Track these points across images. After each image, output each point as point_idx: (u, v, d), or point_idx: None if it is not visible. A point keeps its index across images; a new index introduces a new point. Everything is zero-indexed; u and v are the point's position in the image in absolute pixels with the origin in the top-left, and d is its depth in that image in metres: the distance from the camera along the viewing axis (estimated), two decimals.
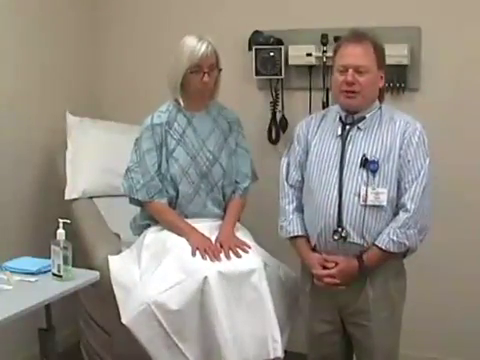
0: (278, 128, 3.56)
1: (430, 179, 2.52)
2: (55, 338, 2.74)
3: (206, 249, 2.71)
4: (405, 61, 3.20)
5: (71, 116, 3.51)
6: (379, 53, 2.53)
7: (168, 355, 2.63)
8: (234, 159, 2.96)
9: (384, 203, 2.47)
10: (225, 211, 2.95)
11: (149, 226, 2.93)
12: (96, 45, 3.86)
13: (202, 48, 2.78)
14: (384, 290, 2.55)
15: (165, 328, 2.59)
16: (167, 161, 2.87)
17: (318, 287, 2.58)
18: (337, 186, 2.51)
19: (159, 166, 2.87)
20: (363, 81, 2.49)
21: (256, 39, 3.46)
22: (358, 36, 2.52)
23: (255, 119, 3.52)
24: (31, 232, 3.45)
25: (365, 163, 2.49)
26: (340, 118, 2.58)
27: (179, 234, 2.80)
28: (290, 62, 3.42)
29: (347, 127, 2.56)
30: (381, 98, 2.62)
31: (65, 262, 2.60)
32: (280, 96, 3.52)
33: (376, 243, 2.49)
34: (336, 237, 2.50)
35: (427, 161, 2.52)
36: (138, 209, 2.98)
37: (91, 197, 3.41)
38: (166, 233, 2.84)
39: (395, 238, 2.47)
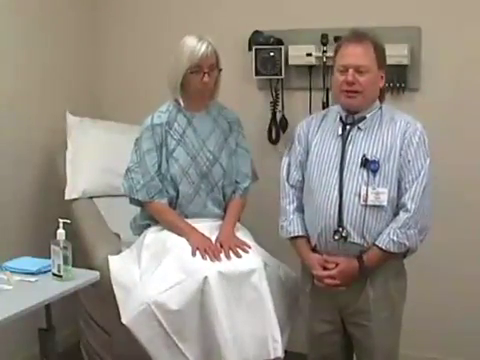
0: (278, 128, 3.56)
1: (430, 179, 2.52)
2: (55, 338, 2.74)
3: (206, 249, 2.71)
4: (405, 61, 3.20)
5: (71, 116, 3.51)
6: (379, 53, 2.53)
7: (168, 355, 2.63)
8: (234, 159, 2.96)
9: (384, 203, 2.47)
10: (225, 211, 2.95)
11: (149, 226, 2.93)
12: (96, 45, 3.86)
13: (202, 48, 2.78)
14: (384, 290, 2.55)
15: (165, 328, 2.59)
16: (167, 161, 2.87)
17: (318, 287, 2.58)
18: (337, 186, 2.51)
19: (159, 166, 2.87)
20: (363, 81, 2.49)
21: (256, 39, 3.46)
22: (358, 36, 2.52)
23: (255, 119, 3.52)
24: (31, 232, 3.45)
25: (365, 163, 2.49)
26: (341, 118, 2.58)
27: (179, 234, 2.80)
28: (290, 62, 3.42)
29: (347, 127, 2.56)
30: (382, 98, 2.62)
31: (65, 262, 2.60)
32: (280, 96, 3.52)
33: (376, 243, 2.49)
34: (336, 237, 2.50)
35: (427, 161, 2.51)
36: (138, 209, 2.98)
37: (91, 197, 3.41)
38: (166, 233, 2.84)
39: (395, 238, 2.47)
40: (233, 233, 2.83)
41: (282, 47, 3.40)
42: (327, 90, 3.37)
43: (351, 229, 2.49)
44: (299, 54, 3.38)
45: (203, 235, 2.79)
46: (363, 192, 2.48)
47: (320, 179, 2.55)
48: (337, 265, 2.52)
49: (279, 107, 3.53)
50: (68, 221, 2.72)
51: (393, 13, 3.23)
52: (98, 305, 3.07)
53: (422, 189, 2.48)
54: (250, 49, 3.48)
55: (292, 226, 2.65)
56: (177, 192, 2.88)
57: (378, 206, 2.48)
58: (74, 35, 3.72)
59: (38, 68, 3.47)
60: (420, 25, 3.21)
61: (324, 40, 3.31)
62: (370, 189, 2.48)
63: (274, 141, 3.57)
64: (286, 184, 2.69)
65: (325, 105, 3.36)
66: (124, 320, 2.64)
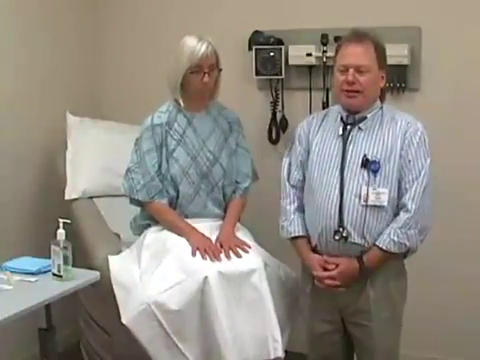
0: (278, 128, 3.56)
1: (431, 179, 2.52)
2: (55, 338, 2.74)
3: (206, 249, 2.71)
4: (405, 61, 3.20)
5: (71, 116, 3.51)
6: (380, 53, 2.53)
7: (168, 355, 2.63)
8: (234, 159, 2.96)
9: (385, 203, 2.47)
10: (225, 211, 2.95)
11: (149, 226, 2.93)
12: (96, 45, 3.86)
13: (202, 48, 2.78)
14: (385, 290, 2.55)
15: (165, 328, 2.59)
16: (167, 161, 2.87)
17: (319, 288, 2.58)
18: (338, 186, 2.51)
19: (159, 166, 2.87)
20: (364, 81, 2.48)
21: (256, 39, 3.46)
22: (359, 36, 2.52)
23: (255, 119, 3.52)
24: (31, 232, 3.45)
25: (366, 163, 2.49)
26: (341, 118, 2.58)
27: (179, 234, 2.80)
28: (290, 62, 3.42)
29: (348, 127, 2.56)
30: (382, 98, 2.62)
31: (65, 262, 2.60)
32: (280, 96, 3.52)
33: (377, 243, 2.49)
34: (337, 237, 2.49)
35: (428, 161, 2.51)
36: (138, 209, 2.98)
37: (91, 197, 3.41)
38: (166, 233, 2.84)
39: (396, 238, 2.47)
40: (233, 233, 2.83)
41: (282, 47, 3.40)
42: (327, 90, 3.37)
43: (351, 229, 2.49)
44: (299, 54, 3.38)
45: (203, 235, 2.79)
46: (364, 192, 2.48)
47: (321, 179, 2.55)
48: (337, 266, 2.52)
49: (279, 107, 3.53)
50: (68, 221, 2.71)
51: (393, 13, 3.23)
52: (98, 305, 3.07)
53: (422, 189, 2.48)
54: (250, 49, 3.48)
55: (293, 226, 2.65)
56: (177, 192, 2.88)
57: (379, 206, 2.48)
58: (74, 35, 3.72)
59: (38, 68, 3.47)
60: (420, 25, 3.21)
61: (324, 40, 3.31)
62: (371, 189, 2.47)
63: (274, 141, 3.57)
64: (287, 184, 2.69)
65: (325, 105, 3.36)
66: (124, 320, 2.64)
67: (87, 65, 3.83)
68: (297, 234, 2.64)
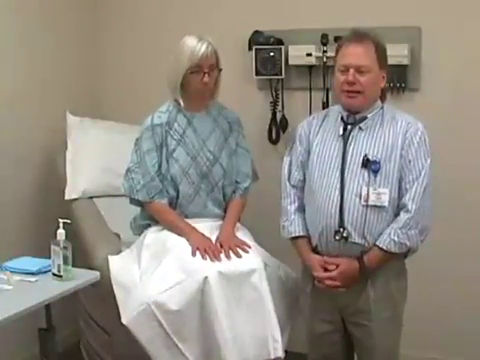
0: (278, 128, 3.56)
1: (431, 179, 2.52)
2: (55, 338, 2.74)
3: (206, 249, 2.70)
4: (405, 61, 3.20)
5: (71, 116, 3.51)
6: (381, 53, 2.53)
7: (168, 355, 2.63)
8: (234, 159, 2.96)
9: (385, 203, 2.47)
10: (225, 211, 2.95)
11: (149, 226, 2.93)
12: (96, 45, 3.86)
13: (202, 48, 2.78)
14: (385, 290, 2.55)
15: (165, 328, 2.59)
16: (167, 161, 2.87)
17: (319, 288, 2.58)
18: (338, 186, 2.51)
19: (159, 166, 2.87)
20: (364, 81, 2.48)
21: (256, 39, 3.46)
22: (359, 36, 2.52)
23: (255, 119, 3.52)
24: (31, 232, 3.45)
25: (366, 163, 2.49)
26: (342, 118, 2.58)
27: (179, 234, 2.80)
28: (290, 62, 3.42)
29: (349, 127, 2.55)
30: (383, 98, 2.61)
31: (65, 262, 2.60)
32: (280, 96, 3.52)
33: (377, 243, 2.49)
34: (337, 237, 2.49)
35: (428, 161, 2.51)
36: (138, 209, 2.98)
37: (91, 197, 3.41)
38: (166, 233, 2.84)
39: (396, 238, 2.47)
40: (233, 233, 2.83)
41: (282, 47, 3.40)
42: (327, 90, 3.37)
43: (352, 229, 2.49)
44: (299, 54, 3.38)
45: (203, 235, 2.79)
46: (364, 192, 2.48)
47: (321, 179, 2.55)
48: (337, 266, 2.52)
49: (279, 107, 3.53)
50: (68, 221, 2.71)
51: (393, 13, 3.23)
52: (98, 305, 3.07)
53: (423, 189, 2.48)
54: (250, 49, 3.48)
55: (293, 226, 2.65)
56: (177, 192, 2.88)
57: (379, 206, 2.48)
58: (74, 35, 3.72)
59: (38, 68, 3.47)
60: (420, 25, 3.21)
61: (324, 40, 3.31)
62: (371, 189, 2.47)
63: (274, 141, 3.57)
64: (287, 184, 2.69)
65: (325, 105, 3.36)
66: (124, 320, 2.64)
67: (87, 65, 3.83)
68: (297, 234, 2.64)
